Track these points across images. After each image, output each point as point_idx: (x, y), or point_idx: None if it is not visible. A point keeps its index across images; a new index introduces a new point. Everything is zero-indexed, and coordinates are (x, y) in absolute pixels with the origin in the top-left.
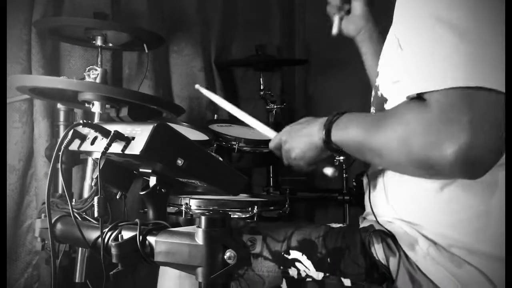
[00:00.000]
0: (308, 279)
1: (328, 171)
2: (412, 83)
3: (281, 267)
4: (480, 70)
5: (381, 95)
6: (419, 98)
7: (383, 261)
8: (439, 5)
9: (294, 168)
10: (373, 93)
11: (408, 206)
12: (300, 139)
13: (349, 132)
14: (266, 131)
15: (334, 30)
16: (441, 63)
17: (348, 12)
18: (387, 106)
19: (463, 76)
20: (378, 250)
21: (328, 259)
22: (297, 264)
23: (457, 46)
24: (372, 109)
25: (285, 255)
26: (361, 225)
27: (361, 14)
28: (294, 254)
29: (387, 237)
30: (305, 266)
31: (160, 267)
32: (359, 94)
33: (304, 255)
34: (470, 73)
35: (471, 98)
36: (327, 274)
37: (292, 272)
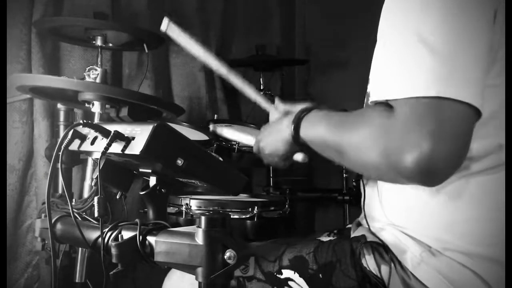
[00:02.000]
0: None
1: (298, 156)
2: (382, 89)
3: None
4: (448, 82)
5: (369, 100)
6: (387, 104)
7: (374, 271)
8: (414, 19)
9: (271, 164)
10: (365, 99)
11: (402, 210)
12: (271, 136)
13: (315, 129)
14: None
15: None
16: (411, 73)
17: None
18: None
19: (428, 86)
20: (369, 261)
21: (320, 275)
22: (290, 283)
23: (430, 60)
24: None
25: (277, 275)
26: (353, 234)
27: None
28: (286, 273)
29: (379, 247)
30: (298, 285)
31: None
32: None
33: (296, 273)
34: (436, 84)
35: (435, 108)
36: None
37: None
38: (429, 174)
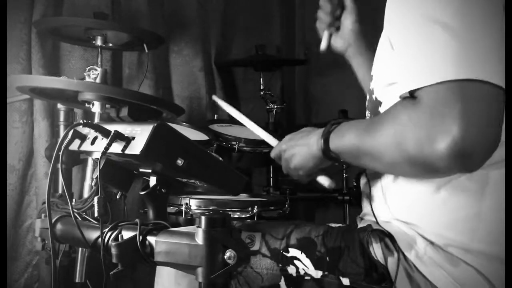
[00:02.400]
0: (306, 278)
1: (325, 181)
2: (404, 82)
3: (280, 265)
4: (471, 64)
5: (376, 98)
6: (412, 96)
7: (381, 260)
8: (429, 5)
9: (293, 177)
10: (367, 97)
11: (405, 206)
12: (299, 149)
13: (345, 139)
14: (269, 140)
15: (323, 46)
16: (431, 59)
17: (338, 28)
18: (382, 109)
19: (452, 70)
20: (376, 250)
21: (327, 258)
22: (296, 262)
23: (447, 42)
24: (367, 113)
25: (284, 252)
26: (359, 225)
27: (350, 31)
28: (293, 252)
29: (385, 236)
30: (304, 264)
31: (157, 266)
32: (359, 94)
33: (303, 253)
34: (460, 67)
35: (461, 90)
36: (326, 273)
37: (291, 270)
38: (465, 158)
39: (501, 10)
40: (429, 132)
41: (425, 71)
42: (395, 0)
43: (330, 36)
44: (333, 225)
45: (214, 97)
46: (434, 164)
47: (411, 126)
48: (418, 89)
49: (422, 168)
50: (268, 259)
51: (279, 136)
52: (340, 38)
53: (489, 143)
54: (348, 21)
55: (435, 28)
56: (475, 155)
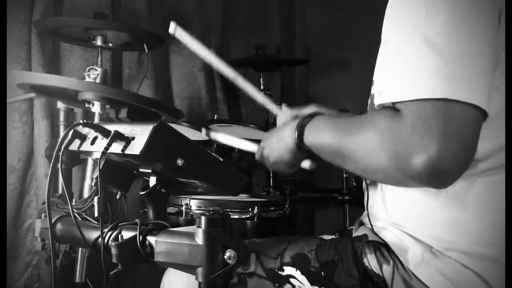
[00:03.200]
0: None
1: (306, 164)
2: (389, 92)
3: (276, 285)
4: (455, 85)
5: (375, 104)
6: (394, 107)
7: (376, 270)
8: (427, 25)
9: (277, 172)
10: (369, 101)
11: (404, 209)
12: (275, 144)
13: (320, 135)
14: (252, 147)
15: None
16: (417, 76)
17: None
18: None
19: (436, 88)
20: (371, 260)
21: (322, 273)
22: (291, 280)
23: (434, 62)
24: None
25: (279, 272)
26: (355, 233)
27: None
28: (288, 270)
29: (381, 246)
30: (299, 282)
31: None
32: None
33: (298, 270)
34: (444, 87)
35: (443, 110)
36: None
37: None
38: (438, 176)
39: (495, 23)
40: (407, 146)
41: (408, 85)
42: (391, 14)
43: None
44: (326, 237)
45: (204, 131)
46: (406, 176)
47: (390, 136)
48: (400, 102)
49: (392, 177)
50: (264, 280)
51: None
52: None
53: (462, 164)
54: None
55: (427, 47)
56: (447, 174)
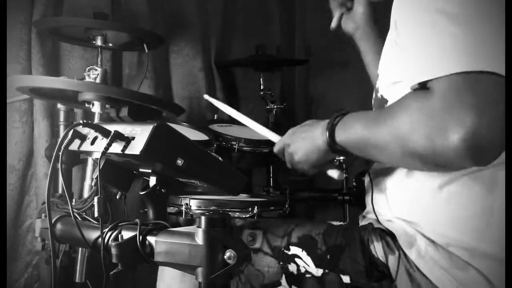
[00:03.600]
0: (307, 275)
1: (334, 173)
2: (413, 75)
3: (281, 263)
4: (481, 55)
5: (381, 96)
6: (422, 88)
7: (382, 259)
8: (446, 2)
9: (297, 171)
10: (373, 95)
11: (407, 205)
12: (303, 142)
13: (352, 131)
14: (270, 136)
15: (333, 24)
16: (441, 51)
17: (350, 9)
18: None
19: (464, 61)
20: (377, 248)
21: (328, 256)
22: (296, 260)
23: (455, 34)
24: None
25: (285, 250)
26: (361, 224)
27: (361, 13)
28: (294, 250)
29: (387, 235)
30: (305, 262)
31: (159, 267)
32: (359, 94)
33: (304, 251)
34: (471, 58)
35: (473, 82)
36: (327, 271)
37: (292, 268)
38: (478, 150)
39: (502, 3)
40: (442, 124)
41: (434, 63)
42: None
43: (341, 16)
44: (334, 223)
45: (206, 96)
46: (445, 155)
47: (422, 117)
48: (429, 80)
49: (432, 161)
50: (269, 257)
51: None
52: (351, 20)
53: (501, 136)
54: (359, 3)
55: (443, 20)
56: (488, 148)
